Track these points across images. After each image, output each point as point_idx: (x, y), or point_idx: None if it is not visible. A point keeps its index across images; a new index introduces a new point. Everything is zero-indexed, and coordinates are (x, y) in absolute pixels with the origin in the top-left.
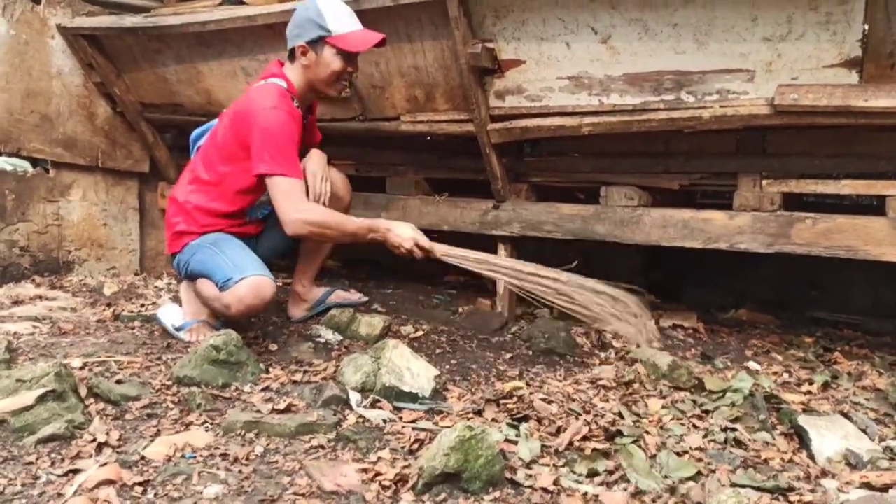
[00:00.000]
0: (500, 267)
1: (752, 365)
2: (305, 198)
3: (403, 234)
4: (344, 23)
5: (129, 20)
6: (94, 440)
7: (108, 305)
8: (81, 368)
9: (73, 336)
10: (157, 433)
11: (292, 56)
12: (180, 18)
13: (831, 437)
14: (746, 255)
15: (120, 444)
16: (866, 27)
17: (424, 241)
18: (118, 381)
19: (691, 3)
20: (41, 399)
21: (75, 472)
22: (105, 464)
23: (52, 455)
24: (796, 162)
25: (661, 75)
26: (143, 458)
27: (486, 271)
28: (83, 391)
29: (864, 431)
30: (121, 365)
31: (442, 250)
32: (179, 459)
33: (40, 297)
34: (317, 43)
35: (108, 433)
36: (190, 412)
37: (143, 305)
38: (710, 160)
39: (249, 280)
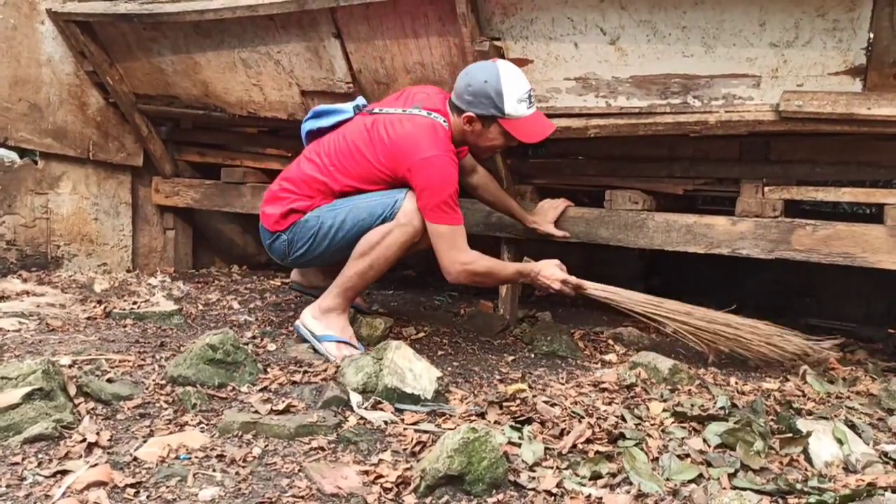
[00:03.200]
0: (654, 306)
1: (750, 369)
2: (467, 246)
3: (552, 274)
4: (520, 107)
5: (124, 6)
6: (84, 440)
7: (99, 302)
8: (70, 366)
9: (61, 333)
10: (151, 433)
11: (455, 109)
12: (177, 6)
13: (828, 440)
14: (744, 262)
15: (111, 444)
16: (871, 35)
17: (572, 279)
18: (109, 380)
19: (701, 5)
20: (28, 397)
21: (64, 473)
22: (95, 465)
23: (40, 455)
24: (798, 169)
25: (669, 78)
26: (135, 459)
27: (640, 310)
28: (72, 390)
29: (859, 435)
30: (112, 363)
31: (592, 287)
32: (173, 461)
33: (27, 293)
34: (487, 118)
35: (98, 433)
36: (184, 412)
37: (135, 303)
38: (714, 165)
39: (410, 194)
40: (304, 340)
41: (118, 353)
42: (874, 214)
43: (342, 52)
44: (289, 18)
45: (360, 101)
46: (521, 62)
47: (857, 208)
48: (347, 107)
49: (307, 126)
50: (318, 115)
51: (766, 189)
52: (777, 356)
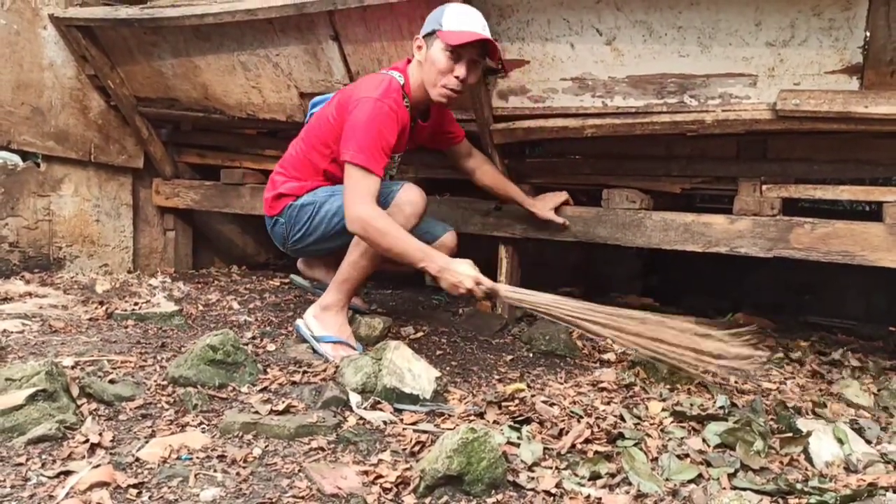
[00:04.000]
0: (572, 310)
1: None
2: (374, 199)
3: (464, 272)
4: (461, 21)
5: (125, 11)
6: (87, 441)
7: (101, 303)
8: (73, 368)
9: (64, 334)
10: (152, 434)
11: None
12: (177, 10)
13: (828, 440)
14: (742, 260)
15: (113, 445)
16: (868, 34)
17: (487, 281)
18: (111, 381)
19: (696, 5)
20: (31, 399)
21: (67, 473)
22: (98, 465)
23: (43, 456)
24: (796, 167)
25: (665, 78)
26: (137, 459)
27: (558, 314)
28: (75, 391)
29: (860, 435)
30: (114, 364)
31: (506, 291)
32: (175, 461)
33: (30, 295)
34: (430, 37)
35: (101, 434)
36: (186, 413)
37: (136, 304)
38: (712, 164)
39: (408, 187)
40: (305, 340)
41: (120, 353)
42: (873, 212)
43: (340, 55)
44: (287, 22)
45: None
46: (518, 63)
47: (855, 206)
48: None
49: (309, 116)
50: (315, 105)
51: (764, 187)
52: (692, 365)
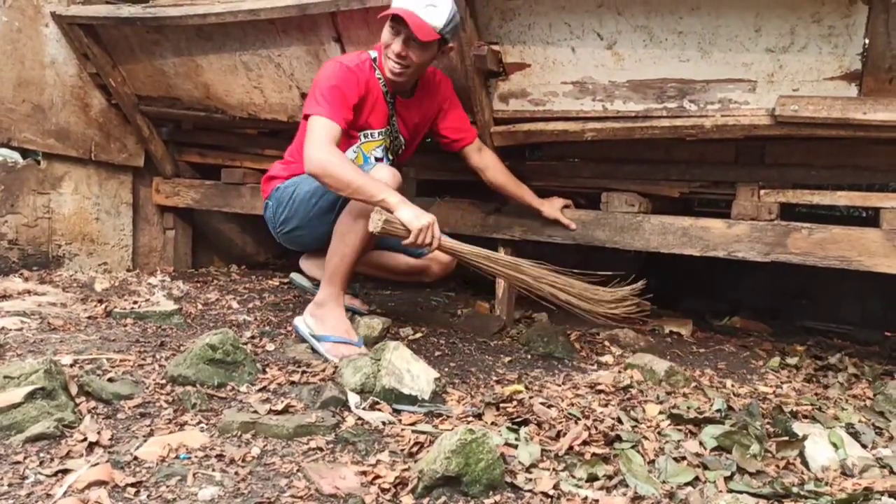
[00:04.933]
0: (498, 262)
1: (747, 372)
2: (334, 142)
3: (414, 220)
4: (407, 1)
5: (127, 10)
6: (85, 439)
7: (100, 302)
8: (72, 366)
9: (63, 332)
10: (151, 433)
11: None
12: (180, 10)
13: (824, 444)
14: (740, 264)
15: (112, 443)
16: (867, 41)
17: (438, 233)
18: (110, 380)
19: (696, 11)
20: (30, 396)
21: (65, 472)
22: (96, 464)
23: (41, 454)
24: (794, 172)
25: (665, 83)
26: (135, 458)
27: (485, 266)
28: (73, 389)
29: (856, 439)
30: (113, 363)
31: (446, 242)
32: (173, 460)
33: (29, 292)
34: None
35: (99, 432)
36: (184, 412)
37: (135, 302)
38: (710, 169)
39: (379, 164)
40: (304, 340)
41: (119, 352)
42: (870, 218)
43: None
44: (290, 23)
45: None
46: (519, 66)
47: (853, 212)
48: None
49: None
50: None
51: (762, 192)
52: (584, 311)
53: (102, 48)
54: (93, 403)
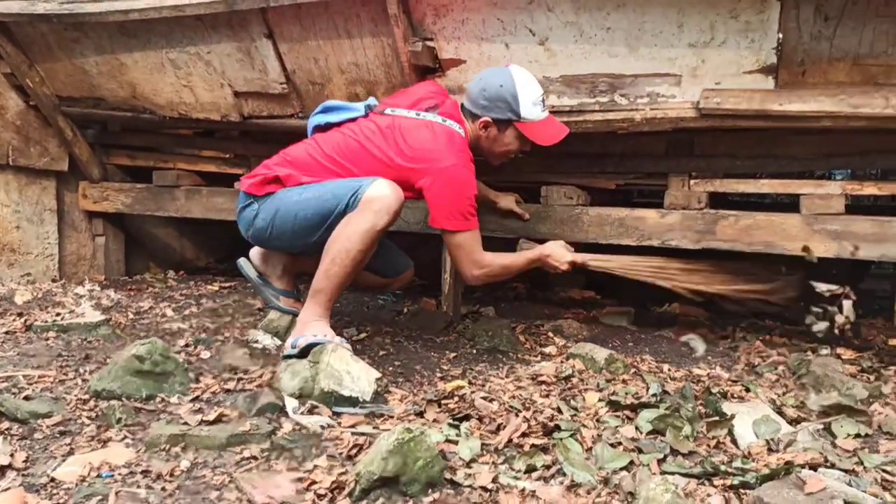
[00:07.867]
0: (646, 266)
1: (682, 356)
2: (481, 248)
3: (561, 257)
4: (535, 111)
5: (42, 6)
6: None
7: (20, 315)
8: None
9: None
10: (70, 452)
11: (470, 115)
12: (100, 6)
13: (751, 422)
14: (680, 253)
15: (26, 465)
16: (780, 36)
17: (578, 258)
18: (26, 398)
19: (623, 7)
20: None
21: None
22: (7, 489)
23: None
24: (721, 162)
25: (596, 77)
26: (52, 479)
27: (636, 275)
28: None
29: (781, 416)
30: (30, 379)
31: (592, 261)
32: (95, 479)
33: None
34: (503, 122)
35: (12, 455)
36: (108, 428)
37: (59, 314)
38: (644, 161)
39: (378, 182)
40: (299, 357)
41: (38, 368)
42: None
43: (275, 53)
44: (218, 19)
45: (372, 101)
46: (454, 62)
47: (782, 199)
48: (359, 105)
49: (315, 120)
50: (327, 111)
51: (692, 182)
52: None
53: (17, 46)
54: (6, 424)
